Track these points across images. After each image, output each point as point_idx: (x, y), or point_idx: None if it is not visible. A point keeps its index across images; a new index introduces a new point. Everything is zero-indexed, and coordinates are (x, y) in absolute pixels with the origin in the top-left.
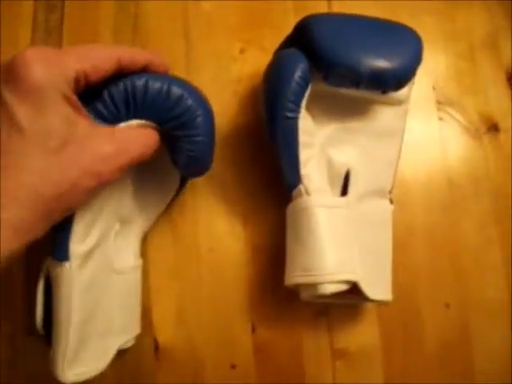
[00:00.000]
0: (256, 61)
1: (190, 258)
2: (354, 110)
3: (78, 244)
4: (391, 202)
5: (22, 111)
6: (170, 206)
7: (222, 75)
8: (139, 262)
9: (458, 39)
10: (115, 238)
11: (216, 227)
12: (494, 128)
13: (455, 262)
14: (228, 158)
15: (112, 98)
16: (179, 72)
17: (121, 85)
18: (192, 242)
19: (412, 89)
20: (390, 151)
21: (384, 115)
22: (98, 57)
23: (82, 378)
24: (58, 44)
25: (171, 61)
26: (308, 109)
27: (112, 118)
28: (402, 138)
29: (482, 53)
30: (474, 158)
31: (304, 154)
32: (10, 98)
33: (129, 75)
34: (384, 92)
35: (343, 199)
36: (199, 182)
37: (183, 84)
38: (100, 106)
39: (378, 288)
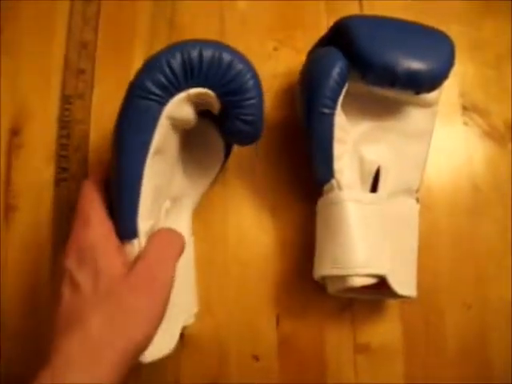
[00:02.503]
0: (289, 60)
1: (218, 249)
2: (387, 109)
3: (145, 221)
4: (417, 201)
5: (81, 276)
6: (215, 180)
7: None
8: (192, 238)
9: (485, 48)
10: (167, 216)
11: (244, 219)
12: None
13: (477, 265)
14: (258, 151)
15: (171, 68)
16: None
17: (178, 55)
18: (220, 233)
19: (441, 92)
20: (419, 151)
21: (414, 116)
22: None
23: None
24: (95, 31)
25: None
26: (343, 106)
27: (172, 88)
28: (431, 140)
29: (507, 62)
30: (498, 163)
31: (338, 150)
32: (71, 266)
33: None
34: (417, 93)
35: (374, 195)
36: (229, 173)
37: (231, 50)
38: (160, 76)
39: (405, 283)
